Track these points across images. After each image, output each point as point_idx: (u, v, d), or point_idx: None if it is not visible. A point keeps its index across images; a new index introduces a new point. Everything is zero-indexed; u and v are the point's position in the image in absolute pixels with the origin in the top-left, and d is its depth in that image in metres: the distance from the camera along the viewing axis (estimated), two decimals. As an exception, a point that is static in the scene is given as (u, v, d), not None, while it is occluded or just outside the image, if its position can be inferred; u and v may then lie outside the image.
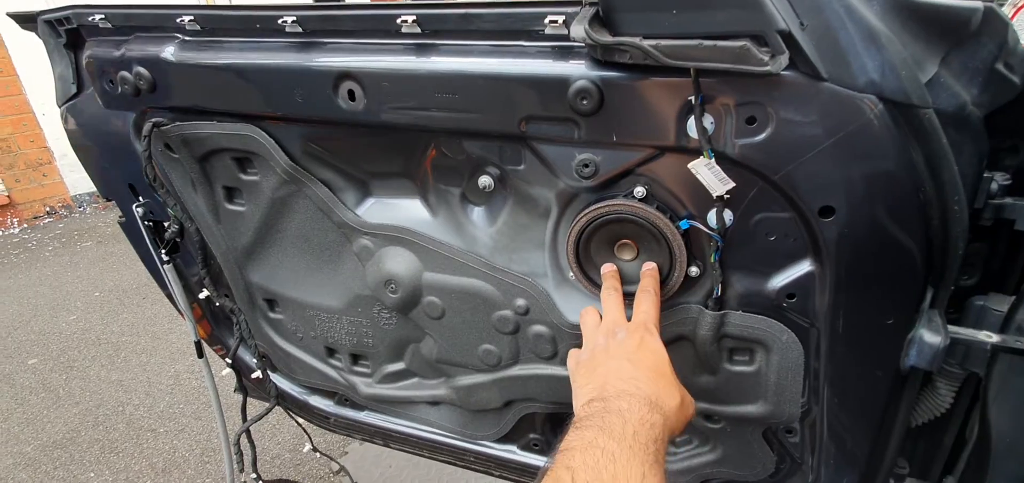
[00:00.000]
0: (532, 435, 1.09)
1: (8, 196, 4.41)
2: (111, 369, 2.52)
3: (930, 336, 0.66)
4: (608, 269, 0.78)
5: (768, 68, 0.52)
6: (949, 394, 0.79)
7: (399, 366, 1.10)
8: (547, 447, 1.08)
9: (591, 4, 0.61)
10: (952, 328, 0.68)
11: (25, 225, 4.54)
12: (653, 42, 0.55)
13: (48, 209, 4.65)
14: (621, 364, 0.65)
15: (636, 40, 0.55)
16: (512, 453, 1.11)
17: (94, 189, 4.73)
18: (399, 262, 0.93)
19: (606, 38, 0.57)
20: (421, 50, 0.71)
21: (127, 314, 3.02)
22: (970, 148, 0.61)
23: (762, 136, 0.60)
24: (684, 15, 0.53)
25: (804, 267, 0.68)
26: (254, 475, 1.31)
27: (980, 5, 0.54)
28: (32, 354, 2.67)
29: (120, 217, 1.14)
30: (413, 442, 1.20)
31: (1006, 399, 0.74)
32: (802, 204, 0.63)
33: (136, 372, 2.48)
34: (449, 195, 0.87)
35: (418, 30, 0.70)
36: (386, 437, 1.22)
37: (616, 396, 0.61)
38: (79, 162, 1.09)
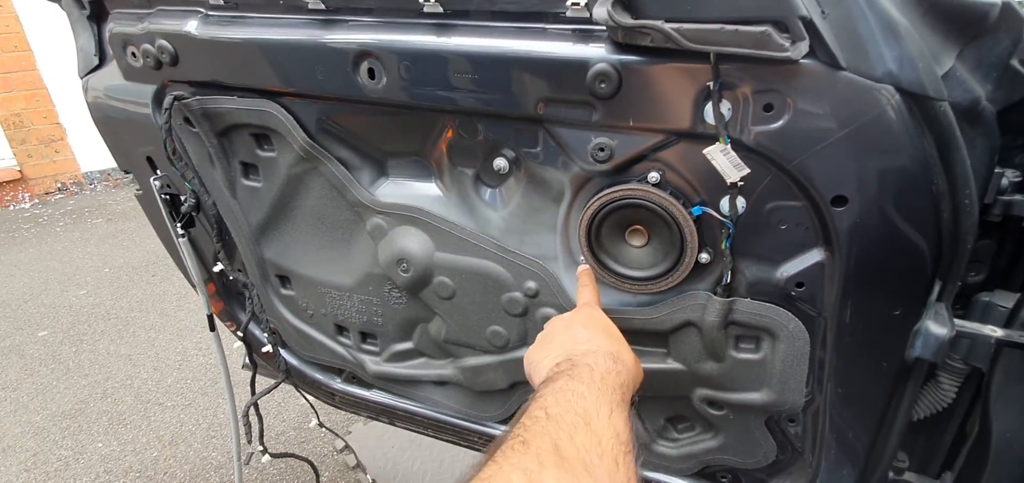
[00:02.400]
0: (536, 418, 1.10)
1: (20, 171, 4.45)
2: (120, 343, 2.55)
3: (936, 328, 0.66)
4: (583, 270, 0.83)
5: (788, 54, 0.53)
6: (952, 389, 0.80)
7: (407, 345, 1.12)
8: (551, 430, 1.10)
9: (613, -13, 0.62)
10: (958, 322, 0.69)
11: (36, 200, 4.58)
12: (675, 25, 0.56)
13: (59, 185, 4.69)
14: (578, 331, 0.70)
15: (658, 23, 0.56)
16: (516, 435, 1.12)
17: (105, 166, 4.79)
18: (412, 241, 0.94)
19: (628, 20, 0.58)
20: (442, 29, 0.72)
21: (136, 291, 3.06)
22: (982, 143, 0.62)
23: (779, 124, 0.60)
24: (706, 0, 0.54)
25: (814, 256, 0.69)
26: (260, 448, 1.32)
27: (998, 1, 0.55)
28: (42, 326, 2.71)
29: (137, 190, 1.16)
30: (418, 420, 1.21)
31: (1008, 395, 0.75)
32: (815, 193, 0.63)
33: (144, 347, 2.51)
34: (463, 176, 0.88)
35: (440, 9, 0.71)
36: (392, 415, 1.24)
37: (582, 354, 0.65)
38: (98, 135, 1.10)
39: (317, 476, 1.47)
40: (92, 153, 4.78)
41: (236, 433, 1.37)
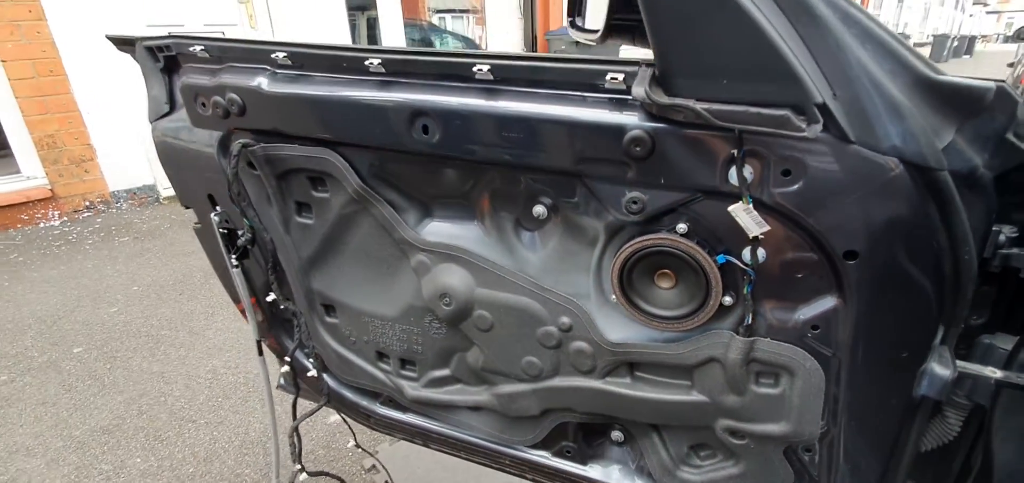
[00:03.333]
0: (564, 442, 1.17)
1: (51, 190, 4.61)
2: (152, 361, 2.64)
3: (940, 369, 0.73)
4: None
5: (805, 134, 0.61)
6: (957, 423, 0.86)
7: (444, 372, 1.20)
8: (578, 455, 1.16)
9: (648, 66, 0.71)
10: (960, 363, 0.75)
11: (65, 218, 4.73)
12: (705, 105, 0.64)
13: (87, 203, 4.84)
14: None
15: (690, 102, 0.65)
16: (545, 458, 1.19)
17: (131, 186, 4.94)
18: (454, 278, 1.02)
19: (664, 99, 0.66)
20: (492, 94, 0.81)
21: (165, 309, 3.16)
22: (980, 205, 0.69)
23: (795, 187, 0.68)
24: (733, 84, 0.63)
25: (828, 302, 0.77)
26: (298, 466, 1.40)
27: (993, 84, 0.62)
28: (77, 343, 2.81)
29: (196, 223, 1.25)
30: (452, 443, 1.28)
31: (1008, 431, 0.81)
32: (829, 247, 0.71)
33: (176, 365, 2.61)
34: (504, 220, 0.96)
35: (491, 77, 0.80)
36: (426, 437, 1.31)
37: None
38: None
39: (349, 494, 1.54)
40: (119, 173, 4.95)
41: (277, 453, 1.45)
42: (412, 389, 1.23)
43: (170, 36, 1.03)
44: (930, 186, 0.65)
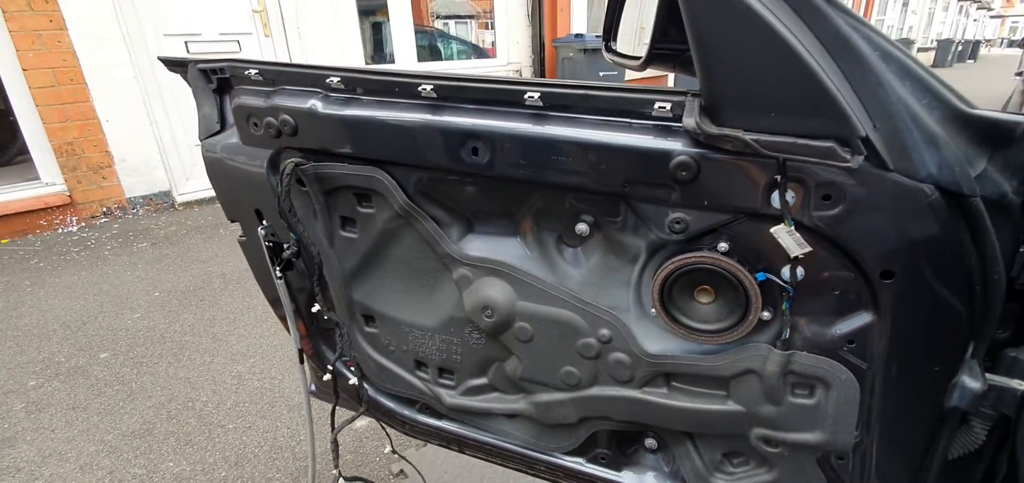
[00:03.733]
0: (599, 449, 1.21)
1: (69, 196, 4.68)
2: (178, 366, 2.70)
3: (971, 382, 0.77)
4: None
5: (849, 165, 0.65)
6: (983, 432, 0.90)
7: (482, 381, 1.24)
8: (612, 461, 1.21)
9: (694, 96, 0.76)
10: (989, 376, 0.79)
11: (83, 224, 4.80)
12: (754, 136, 0.69)
13: (105, 209, 4.91)
14: None
15: (739, 133, 0.69)
16: (580, 464, 1.23)
17: (147, 192, 5.01)
18: (496, 291, 1.06)
19: (713, 130, 0.71)
20: (540, 119, 0.86)
21: (188, 315, 3.22)
22: (1009, 228, 0.73)
23: (836, 211, 0.73)
24: (781, 118, 0.67)
25: (864, 318, 0.81)
26: (336, 472, 1.45)
27: (1023, 119, 0.67)
28: (103, 349, 2.87)
29: (241, 236, 1.30)
30: (487, 449, 1.33)
31: (1036, 439, 0.85)
32: (866, 267, 0.75)
33: (201, 370, 2.66)
34: (547, 236, 1.01)
35: (541, 103, 0.85)
36: (462, 443, 1.36)
37: None
38: (212, 187, 1.25)
39: (381, 498, 1.59)
40: (136, 180, 5.02)
41: (313, 457, 1.50)
42: (450, 397, 1.28)
43: (226, 59, 1.08)
44: (964, 211, 0.69)
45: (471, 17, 8.80)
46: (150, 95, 4.94)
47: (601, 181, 0.85)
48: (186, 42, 5.10)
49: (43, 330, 3.06)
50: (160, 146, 5.10)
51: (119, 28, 4.62)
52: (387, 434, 1.45)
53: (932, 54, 24.68)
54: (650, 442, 1.15)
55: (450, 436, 1.36)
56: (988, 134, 0.68)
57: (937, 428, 0.85)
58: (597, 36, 7.32)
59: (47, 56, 4.36)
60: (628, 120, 0.81)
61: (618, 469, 1.19)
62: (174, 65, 1.16)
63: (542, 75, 8.26)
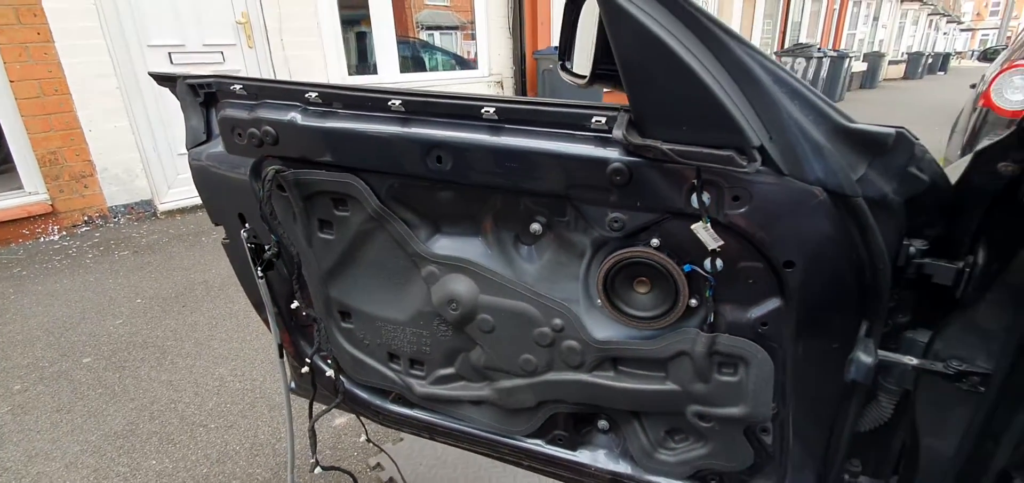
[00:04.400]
0: (556, 431, 1.32)
1: (51, 205, 4.69)
2: (160, 370, 2.75)
3: (864, 357, 0.89)
4: None
5: (746, 170, 0.77)
6: (889, 406, 1.03)
7: (450, 370, 1.34)
8: (568, 442, 1.31)
9: (625, 111, 0.88)
10: (882, 352, 0.92)
11: (64, 232, 4.81)
12: (670, 146, 0.80)
13: (86, 218, 4.93)
14: None
15: (659, 144, 0.81)
16: (540, 446, 1.33)
17: (129, 201, 5.03)
18: (461, 286, 1.17)
19: (638, 140, 0.83)
20: (497, 130, 0.97)
21: (169, 320, 3.27)
22: (891, 223, 0.85)
23: (743, 210, 0.85)
24: (692, 131, 0.79)
25: (774, 303, 0.93)
26: (313, 460, 1.53)
27: (893, 131, 0.79)
28: (86, 353, 2.91)
29: (224, 239, 1.39)
30: (455, 435, 1.42)
31: (929, 411, 0.97)
32: (772, 258, 0.87)
33: (183, 373, 2.72)
34: (505, 235, 1.12)
35: (496, 117, 0.96)
36: (433, 431, 1.45)
37: None
38: (198, 194, 1.34)
39: (357, 486, 1.67)
40: (117, 188, 5.05)
41: (292, 447, 1.58)
42: (421, 386, 1.38)
43: (214, 76, 1.18)
44: (849, 209, 0.82)
45: (456, 28, 8.91)
46: (133, 105, 4.98)
47: (549, 185, 0.96)
48: (170, 53, 5.15)
49: (27, 336, 3.10)
50: (143, 155, 5.13)
51: (104, 39, 4.67)
52: (363, 425, 1.54)
53: (903, 67, 25.42)
54: (602, 423, 1.26)
55: (421, 424, 1.45)
56: (866, 144, 0.80)
57: (843, 401, 0.97)
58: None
59: (33, 68, 4.39)
60: (572, 132, 0.92)
61: (574, 449, 1.30)
62: (163, 80, 1.25)
63: (523, 86, 8.41)
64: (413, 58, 8.09)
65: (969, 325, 0.86)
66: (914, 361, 0.92)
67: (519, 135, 0.95)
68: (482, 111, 0.96)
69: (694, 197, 0.86)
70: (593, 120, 0.89)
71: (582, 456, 1.29)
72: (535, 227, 1.06)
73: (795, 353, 0.95)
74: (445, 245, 1.17)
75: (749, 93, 0.79)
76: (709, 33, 0.79)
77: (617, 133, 0.84)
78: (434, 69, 8.30)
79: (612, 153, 0.89)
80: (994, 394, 0.84)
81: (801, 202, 0.81)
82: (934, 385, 0.94)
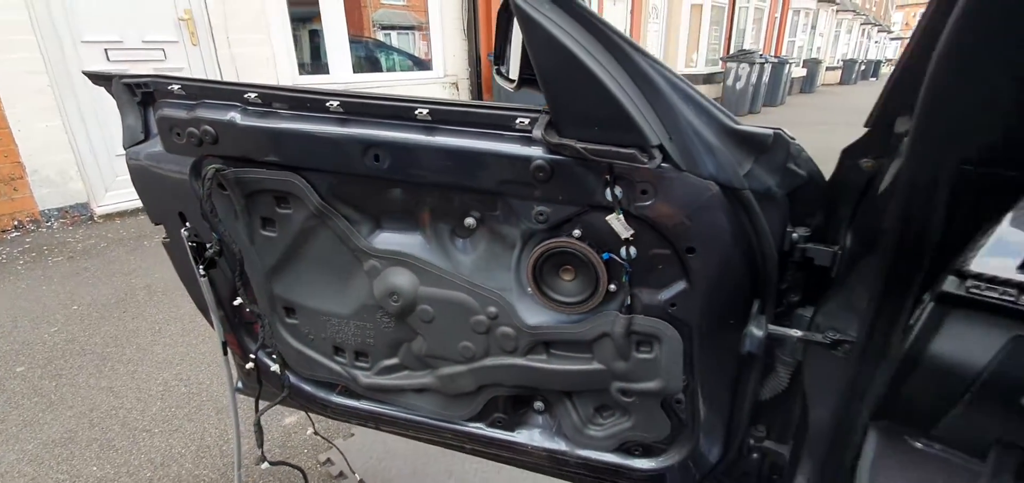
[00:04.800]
0: (496, 414, 1.40)
1: (-24, 209, 4.44)
2: (99, 377, 2.68)
3: (755, 331, 1.01)
4: None
5: (647, 166, 0.87)
6: (786, 376, 1.15)
7: (393, 361, 1.40)
8: (507, 424, 1.39)
9: (546, 113, 0.96)
10: (773, 327, 1.04)
11: (-9, 238, 4.56)
12: (583, 144, 0.90)
13: (16, 223, 4.68)
14: None
15: (573, 142, 0.90)
16: (481, 429, 1.41)
17: (62, 204, 4.81)
18: (401, 278, 1.23)
19: (555, 139, 0.91)
20: (430, 130, 1.04)
21: (108, 326, 3.17)
22: (776, 213, 0.97)
23: (650, 201, 0.95)
24: (602, 131, 0.89)
25: (680, 285, 1.04)
26: (260, 451, 1.56)
27: (771, 132, 0.91)
28: (19, 362, 2.80)
29: (165, 239, 1.40)
30: (401, 424, 1.48)
31: (814, 379, 1.10)
32: (676, 245, 0.98)
33: (125, 380, 2.65)
34: (442, 229, 1.19)
35: (429, 118, 1.03)
36: (378, 421, 1.51)
37: None
38: (137, 194, 1.35)
39: (305, 481, 1.71)
40: (49, 191, 4.82)
41: (238, 446, 1.60)
42: (365, 377, 1.43)
43: (151, 76, 1.19)
44: (738, 200, 0.93)
45: (414, 28, 8.85)
46: (67, 104, 4.77)
47: (480, 182, 1.04)
48: (106, 50, 4.96)
49: (-49, 347, 2.94)
50: (77, 156, 4.91)
51: (34, 34, 4.46)
52: (311, 421, 1.57)
53: (839, 72, 26.91)
54: (538, 404, 1.35)
55: (368, 414, 1.50)
56: (749, 143, 0.92)
57: (743, 371, 1.09)
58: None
59: (-46, 65, 4.15)
60: (499, 131, 1.00)
61: (512, 430, 1.38)
62: (99, 79, 1.25)
63: (479, 88, 8.47)
64: (368, 58, 8.01)
65: (842, 301, 0.98)
66: (799, 333, 1.05)
67: (451, 135, 1.02)
68: (416, 112, 1.03)
69: (607, 191, 0.96)
70: (517, 121, 0.97)
71: (520, 436, 1.38)
72: (470, 221, 1.13)
73: (700, 330, 1.06)
74: (386, 240, 1.23)
75: (651, 98, 0.89)
76: (615, 45, 0.88)
77: (537, 133, 0.93)
78: (391, 69, 8.25)
79: (535, 151, 0.97)
80: (857, 358, 0.96)
81: (698, 194, 0.92)
82: (816, 354, 1.07)
